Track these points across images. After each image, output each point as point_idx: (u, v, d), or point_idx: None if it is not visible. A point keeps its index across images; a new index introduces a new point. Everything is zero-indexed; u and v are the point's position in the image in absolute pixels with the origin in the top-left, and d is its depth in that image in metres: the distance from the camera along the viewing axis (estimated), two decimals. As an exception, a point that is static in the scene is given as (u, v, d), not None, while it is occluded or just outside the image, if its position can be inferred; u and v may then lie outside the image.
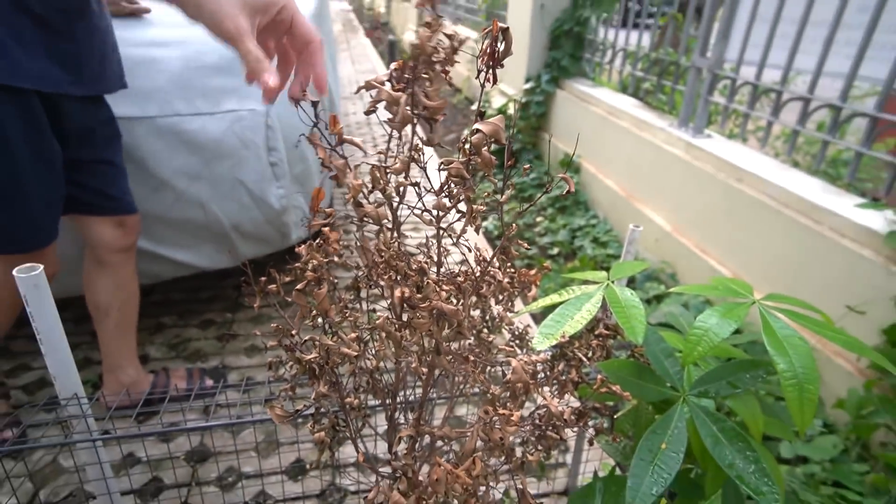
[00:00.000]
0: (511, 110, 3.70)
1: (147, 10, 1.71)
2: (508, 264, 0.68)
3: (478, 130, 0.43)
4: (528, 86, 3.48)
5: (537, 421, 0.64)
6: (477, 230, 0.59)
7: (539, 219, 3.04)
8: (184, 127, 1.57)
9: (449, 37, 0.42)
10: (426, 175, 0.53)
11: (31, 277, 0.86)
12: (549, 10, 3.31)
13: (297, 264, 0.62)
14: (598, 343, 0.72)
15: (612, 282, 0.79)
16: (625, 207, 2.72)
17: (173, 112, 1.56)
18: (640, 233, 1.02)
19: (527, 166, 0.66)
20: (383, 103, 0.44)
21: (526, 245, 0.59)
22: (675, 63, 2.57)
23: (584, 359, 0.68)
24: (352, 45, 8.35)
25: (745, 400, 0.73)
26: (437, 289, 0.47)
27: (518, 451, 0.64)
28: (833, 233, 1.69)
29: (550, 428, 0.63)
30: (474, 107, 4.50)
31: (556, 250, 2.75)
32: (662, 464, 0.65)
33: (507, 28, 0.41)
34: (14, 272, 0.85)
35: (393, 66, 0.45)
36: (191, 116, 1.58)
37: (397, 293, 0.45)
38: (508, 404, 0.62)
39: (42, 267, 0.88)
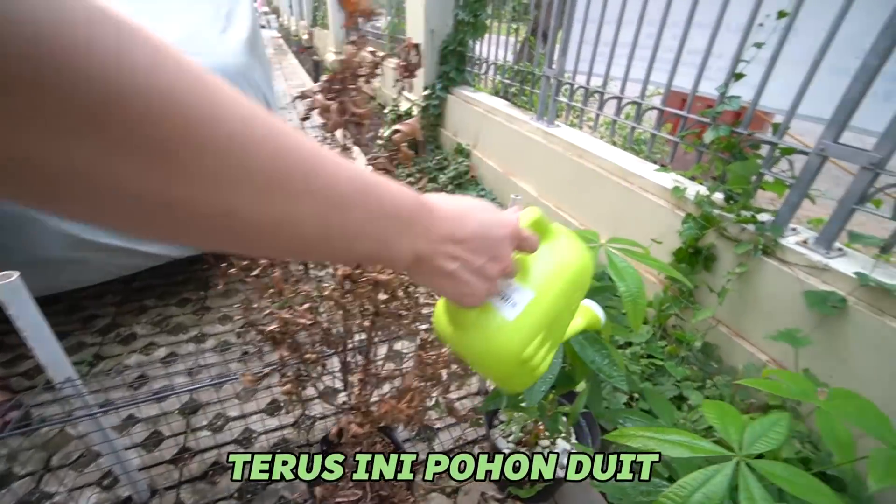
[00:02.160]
0: (414, 112, 3.56)
1: None
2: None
3: (397, 130, 0.38)
4: (426, 93, 3.36)
5: (459, 351, 0.62)
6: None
7: (442, 194, 3.01)
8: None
9: (372, 53, 0.35)
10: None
11: (8, 284, 0.70)
12: (437, 34, 3.18)
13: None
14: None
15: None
16: (504, 181, 2.76)
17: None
18: (521, 199, 1.02)
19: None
20: (317, 110, 0.37)
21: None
22: (531, 73, 2.59)
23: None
24: (283, 65, 7.57)
25: (599, 314, 0.76)
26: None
27: (444, 374, 0.62)
28: (641, 189, 1.82)
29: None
30: (386, 110, 4.28)
31: (457, 217, 2.74)
32: (548, 369, 0.66)
33: (419, 44, 0.35)
34: None
35: (323, 78, 0.38)
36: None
37: (340, 272, 0.40)
38: (436, 343, 0.59)
39: (18, 273, 0.71)
